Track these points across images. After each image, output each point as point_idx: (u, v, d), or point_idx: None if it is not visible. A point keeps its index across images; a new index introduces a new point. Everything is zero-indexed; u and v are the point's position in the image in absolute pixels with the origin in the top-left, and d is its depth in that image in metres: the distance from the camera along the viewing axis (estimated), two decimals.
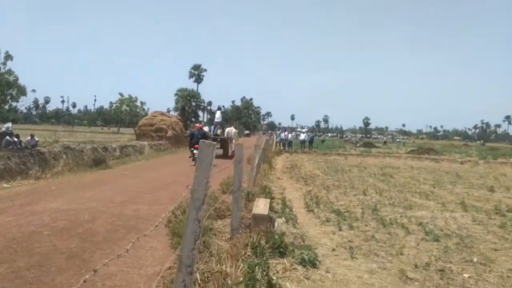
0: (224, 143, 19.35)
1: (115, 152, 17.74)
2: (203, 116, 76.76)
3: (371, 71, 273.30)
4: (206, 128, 19.96)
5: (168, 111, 75.51)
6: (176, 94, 57.29)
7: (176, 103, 57.05)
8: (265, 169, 13.77)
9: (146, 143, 22.49)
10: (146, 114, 35.77)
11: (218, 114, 22.11)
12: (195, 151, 13.96)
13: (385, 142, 54.05)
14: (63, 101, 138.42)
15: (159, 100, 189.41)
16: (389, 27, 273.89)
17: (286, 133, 32.28)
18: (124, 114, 45.13)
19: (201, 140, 2.45)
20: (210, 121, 74.10)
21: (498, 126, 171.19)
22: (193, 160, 14.17)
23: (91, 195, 7.97)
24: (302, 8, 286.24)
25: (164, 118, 27.64)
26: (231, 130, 20.68)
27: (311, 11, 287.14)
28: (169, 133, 26.49)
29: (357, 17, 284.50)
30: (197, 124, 18.77)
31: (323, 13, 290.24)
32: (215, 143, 2.50)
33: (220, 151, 18.78)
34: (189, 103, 56.72)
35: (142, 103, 39.43)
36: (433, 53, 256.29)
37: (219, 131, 20.29)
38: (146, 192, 8.55)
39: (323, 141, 49.72)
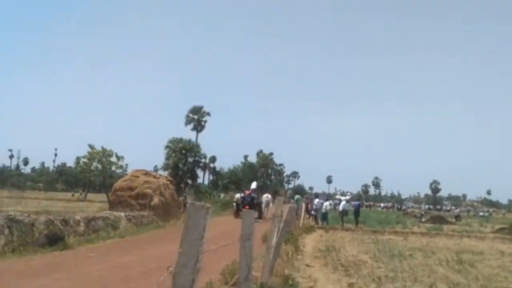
0: (258, 205, 29.84)
1: (79, 227, 17.80)
2: (203, 176, 77.77)
3: (443, 113, 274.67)
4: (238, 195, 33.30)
5: (156, 169, 76.57)
6: (166, 147, 58.38)
7: (167, 158, 57.96)
8: (289, 252, 13.60)
9: (122, 214, 22.59)
10: (124, 174, 36.22)
11: (254, 184, 34.50)
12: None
13: (457, 217, 53.02)
14: (11, 156, 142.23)
15: (143, 154, 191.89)
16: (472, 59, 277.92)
17: (318, 200, 32.09)
18: (94, 174, 45.87)
19: (191, 202, 2.48)
20: (213, 184, 74.88)
21: None
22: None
23: (38, 286, 7.92)
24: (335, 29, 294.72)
25: (149, 180, 27.92)
26: (265, 196, 31.84)
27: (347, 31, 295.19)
28: (155, 200, 26.64)
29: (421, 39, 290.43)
30: (246, 191, 32.34)
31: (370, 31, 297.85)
32: (209, 205, 2.52)
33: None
34: (184, 159, 57.47)
35: (119, 157, 40.09)
36: None
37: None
38: (116, 283, 8.48)
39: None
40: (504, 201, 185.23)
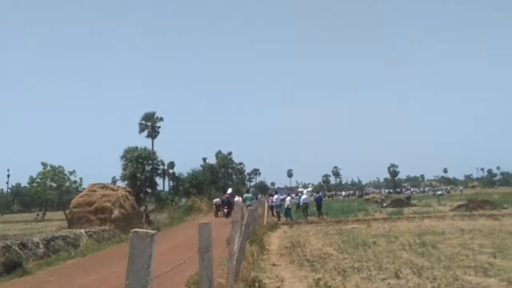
0: (230, 205, 32.21)
1: (38, 249, 17.33)
2: (163, 183, 76.98)
3: (394, 99, 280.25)
4: (217, 199, 39.86)
5: (114, 181, 75.72)
6: (123, 157, 57.36)
7: (124, 169, 56.98)
8: (254, 253, 13.56)
9: (82, 231, 22.13)
10: (81, 189, 35.43)
11: (230, 190, 38.89)
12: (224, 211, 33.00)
13: (408, 198, 54.06)
14: None
15: (101, 167, 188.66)
16: (411, 44, 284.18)
17: (277, 196, 32.15)
18: (50, 193, 44.81)
19: (133, 231, 2.38)
20: (174, 190, 74.08)
21: None
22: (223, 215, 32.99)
23: None
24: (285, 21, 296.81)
25: (106, 193, 27.51)
26: (236, 199, 30.67)
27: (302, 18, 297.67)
28: (115, 213, 26.27)
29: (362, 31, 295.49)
30: (225, 195, 36.03)
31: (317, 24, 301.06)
32: (153, 232, 2.42)
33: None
34: (141, 168, 56.66)
35: (70, 172, 39.12)
36: (483, 69, 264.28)
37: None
38: None
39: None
40: (461, 177, 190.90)
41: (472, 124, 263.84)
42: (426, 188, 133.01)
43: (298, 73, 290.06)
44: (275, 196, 32.47)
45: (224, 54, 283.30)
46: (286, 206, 31.16)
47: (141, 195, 54.18)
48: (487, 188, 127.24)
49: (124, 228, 25.20)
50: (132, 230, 2.35)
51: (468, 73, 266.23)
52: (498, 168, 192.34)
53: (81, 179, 40.41)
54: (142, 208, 36.46)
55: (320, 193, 39.33)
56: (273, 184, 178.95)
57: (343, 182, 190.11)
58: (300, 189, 60.84)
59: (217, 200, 39.84)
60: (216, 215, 35.86)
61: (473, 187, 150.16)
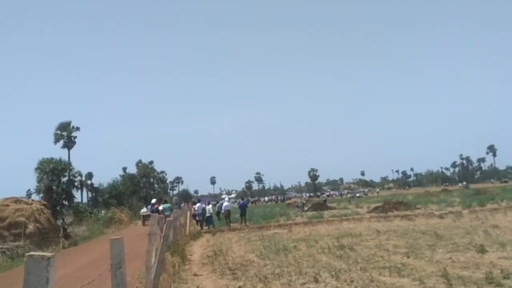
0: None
1: None
2: (81, 195, 74.65)
3: (311, 105, 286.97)
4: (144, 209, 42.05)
5: (29, 195, 72.50)
6: (37, 169, 55.00)
7: (39, 181, 54.63)
8: (175, 264, 13.37)
9: None
10: None
11: (154, 200, 41.17)
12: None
13: (325, 201, 55.66)
14: None
15: (13, 180, 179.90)
16: (331, 50, 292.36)
17: (199, 205, 32.01)
18: None
19: (28, 254, 2.25)
20: (93, 201, 71.96)
21: (482, 160, 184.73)
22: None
23: None
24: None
25: (20, 207, 26.42)
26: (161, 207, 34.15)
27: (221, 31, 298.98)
28: (30, 227, 25.28)
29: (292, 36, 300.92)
30: (155, 205, 36.88)
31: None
32: (50, 255, 2.30)
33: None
34: (57, 180, 54.55)
35: None
36: (391, 77, 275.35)
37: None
38: None
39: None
40: (377, 179, 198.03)
41: (387, 127, 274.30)
42: (345, 191, 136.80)
43: (219, 78, 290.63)
44: (197, 205, 32.26)
45: (141, 59, 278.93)
46: (208, 214, 31.02)
47: (58, 208, 52.13)
48: (402, 189, 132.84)
49: (40, 243, 24.29)
50: (27, 254, 2.22)
51: (385, 74, 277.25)
52: (411, 169, 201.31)
53: None
54: (60, 222, 35.19)
55: (245, 200, 39.49)
56: (196, 192, 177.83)
57: (266, 187, 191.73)
58: (223, 196, 60.75)
59: (143, 210, 41.57)
60: (144, 224, 36.38)
61: (389, 188, 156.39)
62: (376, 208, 36.90)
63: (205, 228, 29.83)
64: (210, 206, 33.12)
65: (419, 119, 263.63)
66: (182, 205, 65.96)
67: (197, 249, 19.76)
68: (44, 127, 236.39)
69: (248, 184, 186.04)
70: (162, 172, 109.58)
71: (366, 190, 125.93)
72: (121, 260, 4.74)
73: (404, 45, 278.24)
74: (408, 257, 12.82)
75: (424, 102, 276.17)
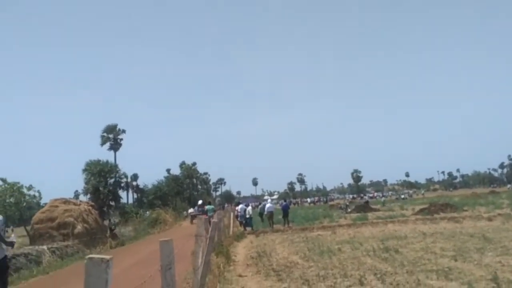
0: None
1: None
2: (126, 196, 76.01)
3: (354, 105, 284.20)
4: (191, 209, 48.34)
5: (76, 196, 74.39)
6: (84, 170, 56.46)
7: (86, 182, 56.08)
8: (220, 264, 13.50)
9: (45, 247, 21.69)
10: (41, 205, 34.76)
11: (200, 202, 45.41)
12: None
13: (366, 202, 55.09)
14: None
15: (62, 181, 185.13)
16: (381, 51, 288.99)
17: (241, 206, 32.27)
18: (10, 209, 43.71)
19: (88, 257, 2.34)
20: (138, 202, 73.25)
21: None
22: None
23: None
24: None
25: (69, 208, 27.08)
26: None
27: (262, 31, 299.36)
28: (78, 228, 25.86)
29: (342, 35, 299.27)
30: (201, 206, 40.82)
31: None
32: (108, 257, 2.39)
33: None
34: (104, 181, 55.87)
35: (29, 188, 38.36)
36: (438, 75, 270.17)
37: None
38: None
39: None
40: (422, 180, 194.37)
41: (433, 128, 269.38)
42: (389, 192, 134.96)
43: (260, 80, 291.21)
44: (240, 206, 32.54)
45: (184, 64, 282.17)
46: (247, 215, 31.17)
47: (105, 209, 53.43)
48: (448, 191, 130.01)
49: (88, 243, 24.85)
50: (87, 257, 2.31)
51: (428, 78, 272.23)
52: (458, 170, 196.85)
53: (39, 192, 39.73)
54: (107, 222, 35.97)
55: (287, 201, 39.47)
56: (239, 193, 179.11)
57: (308, 188, 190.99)
58: (265, 197, 60.83)
59: (191, 210, 47.59)
60: (192, 222, 38.66)
61: (435, 190, 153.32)
62: (421, 210, 36.27)
63: (248, 229, 29.96)
64: (250, 207, 33.24)
65: (466, 119, 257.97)
66: (226, 206, 66.50)
67: (241, 250, 19.86)
68: (91, 129, 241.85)
69: (290, 185, 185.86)
70: (205, 173, 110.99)
71: (411, 191, 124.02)
72: (171, 261, 4.85)
73: (452, 38, 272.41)
74: (456, 260, 12.57)
75: (472, 101, 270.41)
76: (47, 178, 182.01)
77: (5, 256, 8.64)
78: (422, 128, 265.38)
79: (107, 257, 2.32)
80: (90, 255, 2.35)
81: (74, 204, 28.70)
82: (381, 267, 12.40)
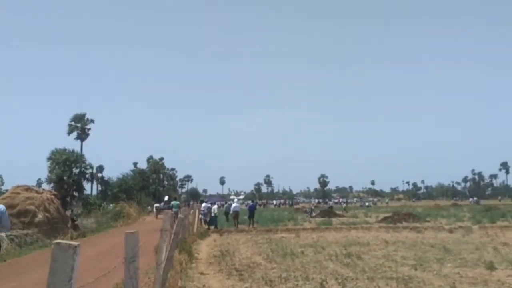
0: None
1: None
2: (91, 187, 75.10)
3: (324, 111, 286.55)
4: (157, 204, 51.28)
5: (39, 184, 73.13)
6: (49, 159, 55.49)
7: (50, 171, 55.12)
8: (183, 261, 13.43)
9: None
10: (2, 191, 34.09)
11: (166, 197, 48.27)
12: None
13: (330, 207, 55.82)
14: None
15: (25, 168, 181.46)
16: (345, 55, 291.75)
17: (204, 205, 32.34)
18: None
19: (55, 242, 2.31)
20: (102, 194, 72.41)
21: (494, 176, 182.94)
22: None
23: None
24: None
25: (30, 195, 26.50)
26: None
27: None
28: (40, 216, 25.34)
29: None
30: (166, 201, 43.88)
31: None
32: (76, 244, 2.36)
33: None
34: (68, 171, 55.02)
35: None
36: (407, 85, 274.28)
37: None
38: None
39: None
40: (387, 189, 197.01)
41: (399, 138, 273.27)
42: (354, 199, 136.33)
43: (232, 78, 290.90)
44: (203, 205, 32.63)
45: (157, 57, 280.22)
46: (212, 214, 31.11)
47: (68, 199, 52.67)
48: (411, 201, 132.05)
49: (48, 232, 24.40)
50: (54, 241, 2.28)
51: (396, 90, 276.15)
52: (422, 182, 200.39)
53: (1, 177, 39.01)
54: (69, 213, 35.42)
55: (253, 202, 39.48)
56: (205, 191, 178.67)
57: (275, 191, 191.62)
58: (232, 197, 60.90)
59: (157, 205, 50.29)
60: (157, 217, 41.71)
61: (399, 199, 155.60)
62: (385, 218, 36.79)
63: (212, 228, 29.89)
64: (215, 206, 33.23)
65: (432, 132, 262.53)
66: (191, 203, 66.20)
67: (204, 248, 19.82)
68: (58, 118, 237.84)
69: (257, 186, 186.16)
70: (173, 169, 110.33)
71: (375, 199, 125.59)
72: (135, 254, 4.80)
73: (420, 53, 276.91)
74: (416, 269, 12.78)
75: (439, 114, 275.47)
76: (10, 164, 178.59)
77: None
78: (389, 138, 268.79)
79: (75, 243, 2.29)
80: (57, 240, 2.32)
81: (37, 192, 28.12)
82: (342, 272, 12.52)
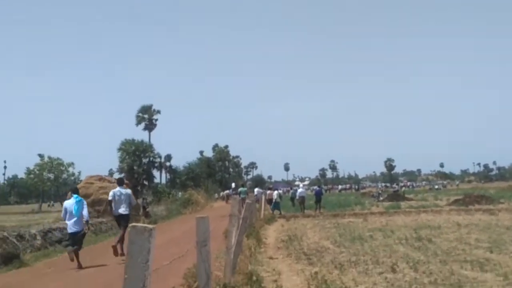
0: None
1: (35, 241, 17.33)
2: (160, 176, 77.00)
3: (390, 93, 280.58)
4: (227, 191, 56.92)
5: (111, 173, 75.57)
6: (120, 149, 57.31)
7: (121, 161, 56.97)
8: (251, 246, 13.56)
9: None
10: (78, 181, 35.45)
11: (233, 184, 44.86)
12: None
13: (396, 191, 54.66)
14: None
15: (98, 159, 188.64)
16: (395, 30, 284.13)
17: (270, 192, 32.65)
18: (47, 184, 44.63)
19: (132, 225, 2.35)
20: (171, 182, 74.19)
21: None
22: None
23: None
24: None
25: (104, 185, 27.42)
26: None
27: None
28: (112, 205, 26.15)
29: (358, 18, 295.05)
30: (232, 188, 42.03)
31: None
32: (151, 226, 2.40)
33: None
34: (138, 160, 56.69)
35: (68, 165, 39.08)
36: (481, 64, 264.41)
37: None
38: None
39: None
40: (457, 171, 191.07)
41: (469, 119, 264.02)
42: (423, 182, 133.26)
43: (295, 65, 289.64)
44: (268, 191, 33.10)
45: (221, 47, 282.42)
46: (274, 200, 31.29)
47: (138, 188, 54.21)
48: (483, 183, 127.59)
49: None
50: (131, 225, 2.33)
51: (467, 69, 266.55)
52: (494, 163, 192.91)
53: (79, 172, 40.51)
54: (140, 201, 36.49)
55: (320, 188, 39.39)
56: (270, 177, 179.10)
57: (340, 176, 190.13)
58: (297, 183, 60.92)
59: (227, 191, 53.79)
60: (227, 202, 44.14)
61: (470, 181, 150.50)
62: (456, 201, 35.72)
63: (276, 213, 30.05)
64: (276, 192, 33.30)
65: (504, 110, 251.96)
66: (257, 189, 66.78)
67: (272, 233, 19.94)
68: (127, 109, 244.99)
69: (322, 172, 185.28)
70: (237, 156, 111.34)
71: (445, 182, 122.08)
72: (206, 238, 4.88)
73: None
74: (491, 252, 12.35)
75: (504, 92, 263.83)
76: (83, 155, 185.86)
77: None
78: (459, 118, 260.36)
79: (150, 226, 2.33)
80: (133, 224, 2.38)
81: (109, 181, 29.05)
82: (413, 255, 12.27)
